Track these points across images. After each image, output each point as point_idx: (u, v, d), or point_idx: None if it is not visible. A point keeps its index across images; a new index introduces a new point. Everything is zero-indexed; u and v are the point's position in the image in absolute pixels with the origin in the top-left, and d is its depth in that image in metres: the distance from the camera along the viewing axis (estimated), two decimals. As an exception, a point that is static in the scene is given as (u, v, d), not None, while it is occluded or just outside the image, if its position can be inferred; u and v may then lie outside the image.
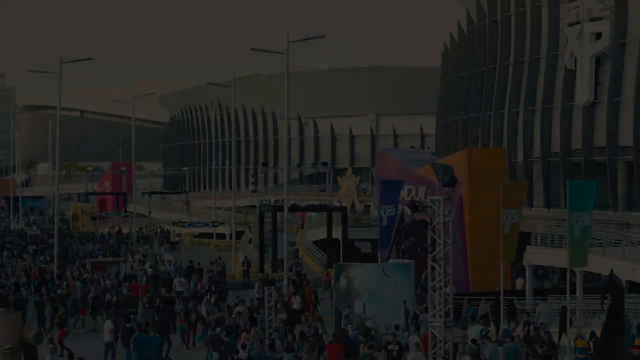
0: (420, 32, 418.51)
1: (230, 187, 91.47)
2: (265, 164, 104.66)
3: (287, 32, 43.40)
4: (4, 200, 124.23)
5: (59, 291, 41.51)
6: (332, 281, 39.26)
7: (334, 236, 61.20)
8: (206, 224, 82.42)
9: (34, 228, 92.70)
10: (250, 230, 74.23)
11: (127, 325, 30.20)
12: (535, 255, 42.87)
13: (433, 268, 25.04)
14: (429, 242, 25.13)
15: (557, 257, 41.06)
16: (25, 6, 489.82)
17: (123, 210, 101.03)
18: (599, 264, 37.95)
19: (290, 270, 50.03)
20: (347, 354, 27.25)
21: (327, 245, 61.50)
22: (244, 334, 28.95)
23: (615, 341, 24.42)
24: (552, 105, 57.52)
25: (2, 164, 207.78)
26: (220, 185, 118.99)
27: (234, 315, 32.74)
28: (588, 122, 54.58)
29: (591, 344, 27.44)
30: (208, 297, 39.56)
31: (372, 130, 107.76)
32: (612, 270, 37.24)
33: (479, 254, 45.91)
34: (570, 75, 55.80)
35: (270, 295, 34.12)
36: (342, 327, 31.64)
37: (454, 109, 68.90)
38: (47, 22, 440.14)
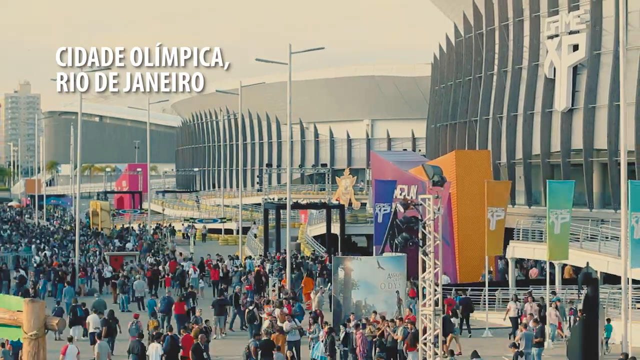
0: (412, 44, 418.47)
1: (237, 187, 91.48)
2: (269, 165, 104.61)
3: (290, 44, 43.13)
4: (29, 199, 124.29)
5: None
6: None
7: (332, 231, 61.20)
8: (215, 220, 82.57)
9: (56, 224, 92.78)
10: (255, 226, 74.30)
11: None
12: (517, 249, 42.88)
13: (424, 261, 25.04)
14: (419, 237, 25.12)
15: (537, 251, 41.08)
16: (46, 18, 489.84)
17: (139, 207, 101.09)
18: (576, 257, 37.96)
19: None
20: None
21: (326, 239, 61.53)
22: None
23: (590, 328, 24.44)
24: (533, 112, 57.46)
25: (27, 165, 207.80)
26: (228, 185, 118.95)
27: None
28: (566, 127, 54.55)
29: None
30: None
31: (367, 134, 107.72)
32: (587, 263, 37.24)
33: (465, 247, 45.96)
34: (550, 83, 55.76)
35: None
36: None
37: (443, 114, 68.85)
38: (68, 32, 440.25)
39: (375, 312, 30.86)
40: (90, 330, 31.18)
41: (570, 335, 26.57)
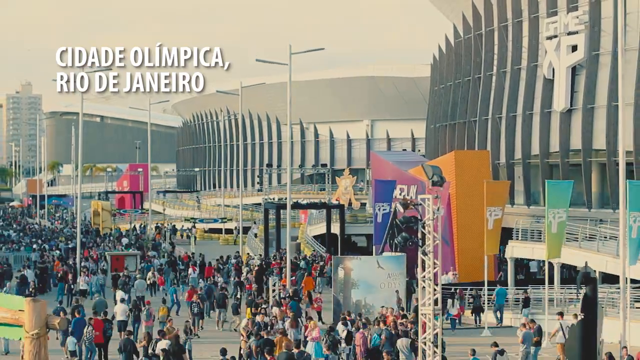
0: (411, 44, 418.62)
1: (238, 187, 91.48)
2: (269, 165, 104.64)
3: (290, 45, 43.03)
4: (31, 199, 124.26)
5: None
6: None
7: (332, 231, 61.18)
8: (216, 220, 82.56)
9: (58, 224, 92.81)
10: (256, 225, 74.29)
11: None
12: (516, 249, 42.89)
13: (423, 261, 25.03)
14: (419, 236, 25.11)
15: (536, 251, 41.10)
16: (46, 18, 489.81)
17: (140, 207, 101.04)
18: (574, 256, 37.98)
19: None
20: None
21: (326, 239, 61.51)
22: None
23: (589, 327, 24.39)
24: (532, 112, 57.47)
25: (29, 166, 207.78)
26: (228, 185, 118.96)
27: None
28: (565, 127, 54.56)
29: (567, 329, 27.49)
30: None
31: (367, 135, 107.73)
32: (586, 263, 37.25)
33: (464, 247, 45.97)
34: (549, 84, 55.78)
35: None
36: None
37: (443, 115, 68.87)
38: (68, 32, 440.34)
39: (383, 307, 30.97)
40: (118, 318, 32.60)
41: (569, 334, 26.54)
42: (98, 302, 34.92)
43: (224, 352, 24.41)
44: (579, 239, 39.32)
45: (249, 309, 34.78)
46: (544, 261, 45.67)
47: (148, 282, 43.99)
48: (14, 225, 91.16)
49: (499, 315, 37.48)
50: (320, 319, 33.95)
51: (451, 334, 33.29)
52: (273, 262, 51.52)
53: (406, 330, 27.89)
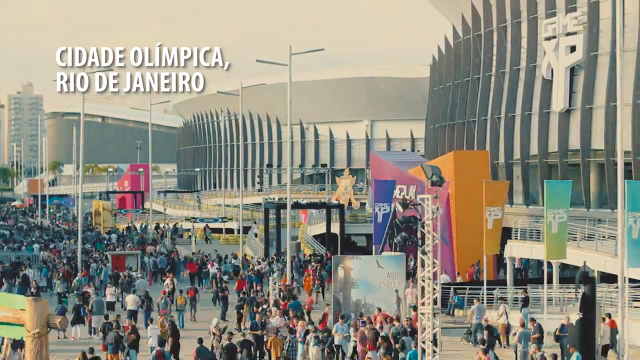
0: (411, 44, 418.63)
1: (238, 187, 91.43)
2: (269, 166, 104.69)
3: (290, 45, 43.03)
4: (32, 199, 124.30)
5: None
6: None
7: (332, 231, 61.18)
8: (216, 220, 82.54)
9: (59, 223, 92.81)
10: (256, 225, 74.27)
11: None
12: (515, 249, 42.87)
13: (423, 260, 25.01)
14: (419, 236, 25.10)
15: (534, 250, 41.07)
16: (46, 18, 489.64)
17: (141, 207, 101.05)
18: (573, 256, 37.96)
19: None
20: None
21: (326, 239, 61.51)
22: None
23: (587, 327, 24.43)
24: (531, 112, 57.49)
25: (31, 166, 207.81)
26: (229, 185, 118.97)
27: None
28: (563, 128, 54.56)
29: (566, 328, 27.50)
30: None
31: (367, 135, 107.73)
32: (585, 262, 37.25)
33: (463, 247, 45.98)
34: (547, 84, 55.78)
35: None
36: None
37: (442, 115, 68.87)
38: (68, 32, 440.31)
39: (379, 309, 30.94)
40: (129, 308, 34.25)
41: (568, 334, 26.55)
42: (96, 302, 34.95)
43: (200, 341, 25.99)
44: (578, 239, 39.32)
45: (246, 307, 34.91)
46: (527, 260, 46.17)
47: (166, 288, 42.93)
48: (19, 224, 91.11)
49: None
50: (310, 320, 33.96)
51: (446, 332, 33.20)
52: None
53: (412, 329, 27.91)
